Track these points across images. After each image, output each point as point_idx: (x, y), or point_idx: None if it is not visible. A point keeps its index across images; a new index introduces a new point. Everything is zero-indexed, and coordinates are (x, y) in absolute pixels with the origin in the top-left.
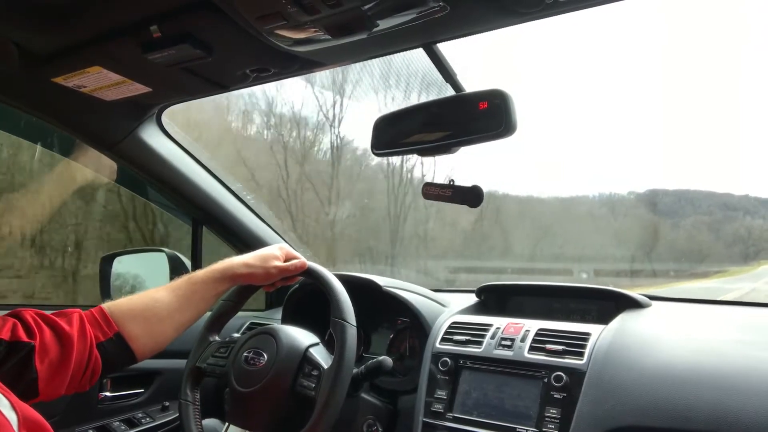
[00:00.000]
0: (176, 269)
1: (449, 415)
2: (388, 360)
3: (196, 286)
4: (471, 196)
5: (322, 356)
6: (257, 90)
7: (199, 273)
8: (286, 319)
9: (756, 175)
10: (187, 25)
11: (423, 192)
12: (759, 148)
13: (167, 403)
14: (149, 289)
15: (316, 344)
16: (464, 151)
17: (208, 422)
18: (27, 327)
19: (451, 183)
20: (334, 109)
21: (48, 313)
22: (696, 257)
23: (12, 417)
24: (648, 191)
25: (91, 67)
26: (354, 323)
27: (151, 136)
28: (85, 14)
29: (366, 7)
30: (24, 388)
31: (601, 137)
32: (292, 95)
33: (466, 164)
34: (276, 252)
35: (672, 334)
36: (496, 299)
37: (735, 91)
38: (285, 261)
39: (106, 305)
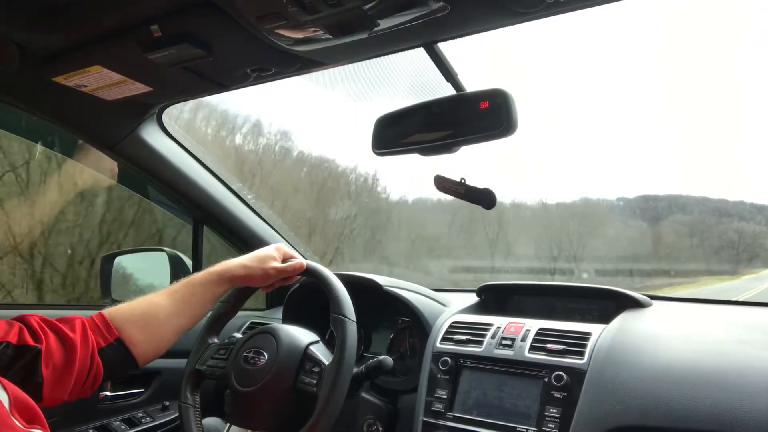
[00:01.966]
0: (177, 269)
1: (449, 414)
2: (388, 359)
3: (195, 289)
4: (483, 198)
5: (322, 353)
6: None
7: (197, 276)
8: (287, 319)
9: (753, 180)
10: (188, 25)
11: (436, 183)
12: (756, 153)
13: (167, 403)
14: (148, 294)
15: (317, 342)
16: (464, 150)
17: (209, 421)
18: (33, 332)
19: (463, 181)
20: None
21: (51, 319)
22: (680, 262)
23: (3, 397)
24: (639, 197)
25: (91, 67)
26: (354, 319)
27: (152, 135)
28: (85, 14)
29: (367, 6)
30: (28, 393)
31: (594, 140)
32: None
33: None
34: (273, 252)
35: (673, 333)
36: (496, 299)
37: (735, 95)
38: (283, 261)
39: (107, 311)
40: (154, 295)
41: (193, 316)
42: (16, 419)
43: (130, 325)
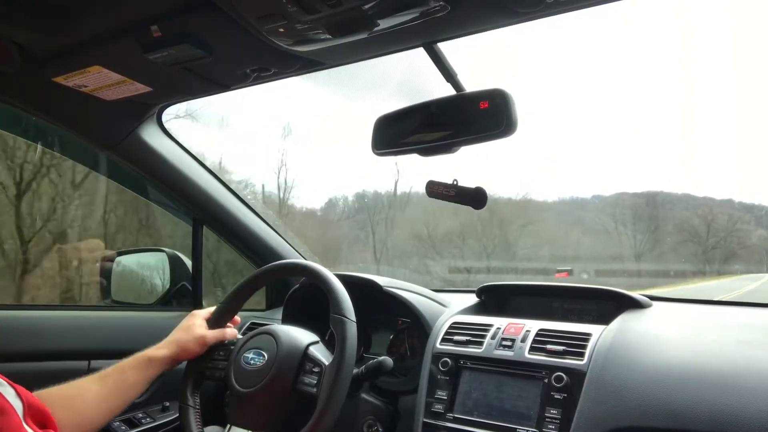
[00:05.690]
0: (176, 269)
1: (449, 415)
2: (388, 360)
3: (125, 374)
4: (474, 198)
5: (322, 354)
6: None
7: (128, 361)
8: (287, 320)
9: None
10: (188, 25)
11: (427, 190)
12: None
13: (167, 403)
14: (79, 379)
15: (316, 342)
16: (464, 150)
17: (210, 430)
18: None
19: (455, 183)
20: None
21: None
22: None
23: (17, 405)
24: (615, 194)
25: (91, 67)
26: (353, 319)
27: (152, 135)
28: (85, 14)
29: (366, 6)
30: None
31: (579, 138)
32: None
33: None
34: (192, 319)
35: (672, 334)
36: (496, 299)
37: (730, 94)
38: (210, 317)
39: (37, 393)
40: (84, 380)
41: (122, 401)
42: (30, 426)
43: (58, 407)
